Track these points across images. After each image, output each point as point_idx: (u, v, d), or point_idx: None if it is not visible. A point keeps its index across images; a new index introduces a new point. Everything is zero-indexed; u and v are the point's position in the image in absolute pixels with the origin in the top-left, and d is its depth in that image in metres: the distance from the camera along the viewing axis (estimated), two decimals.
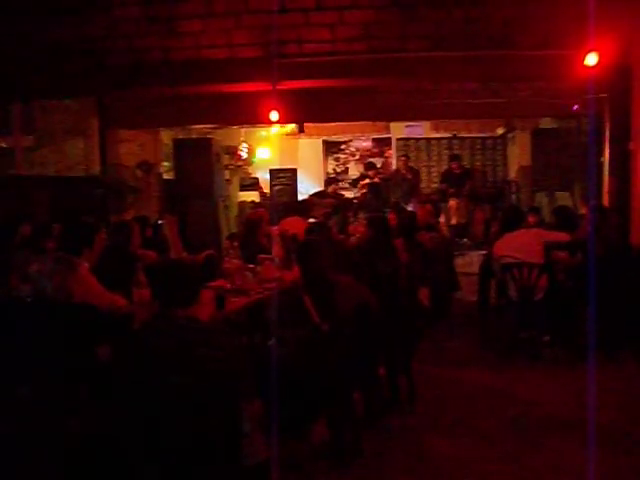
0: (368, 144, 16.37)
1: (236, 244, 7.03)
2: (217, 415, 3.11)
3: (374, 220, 6.38)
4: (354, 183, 14.24)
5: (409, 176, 13.24)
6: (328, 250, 4.75)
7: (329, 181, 13.91)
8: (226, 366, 3.12)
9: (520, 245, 6.70)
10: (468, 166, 14.14)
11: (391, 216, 7.58)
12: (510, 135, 14.60)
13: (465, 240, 12.37)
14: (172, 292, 3.27)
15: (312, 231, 6.16)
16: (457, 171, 13.02)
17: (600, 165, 8.45)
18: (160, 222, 8.12)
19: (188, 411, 3.03)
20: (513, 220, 7.12)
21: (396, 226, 7.24)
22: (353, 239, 7.56)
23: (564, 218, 7.49)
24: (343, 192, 14.03)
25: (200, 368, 3.06)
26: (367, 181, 13.15)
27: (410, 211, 8.90)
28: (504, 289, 6.87)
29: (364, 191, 12.76)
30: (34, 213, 7.87)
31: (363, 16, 7.32)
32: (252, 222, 7.62)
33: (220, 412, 3.12)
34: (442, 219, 11.82)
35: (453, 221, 12.61)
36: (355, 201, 12.33)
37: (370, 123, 14.76)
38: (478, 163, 15.04)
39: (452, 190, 12.63)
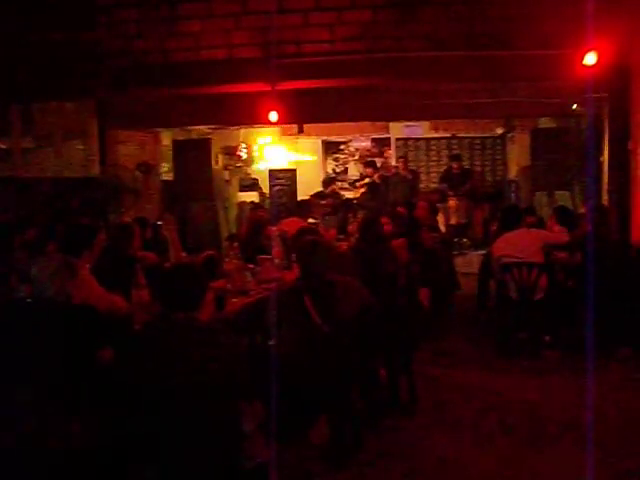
0: (367, 144, 16.36)
1: (236, 245, 7.03)
2: (217, 415, 3.11)
3: (364, 223, 6.35)
4: (354, 184, 14.24)
5: (409, 176, 13.26)
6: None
7: (328, 181, 13.86)
8: (226, 366, 3.12)
9: (520, 245, 6.70)
10: (468, 166, 14.15)
11: (384, 220, 7.48)
12: (509, 135, 14.60)
13: (465, 240, 12.38)
14: (178, 297, 3.27)
15: (303, 234, 6.11)
16: (457, 171, 13.02)
17: (599, 164, 8.46)
18: (159, 223, 8.11)
19: (188, 411, 3.03)
20: (512, 219, 7.12)
21: (391, 228, 7.21)
22: (352, 239, 7.56)
23: (563, 218, 7.49)
24: (343, 192, 14.02)
25: (200, 368, 3.06)
26: (367, 181, 13.15)
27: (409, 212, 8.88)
28: (504, 289, 6.87)
29: (363, 191, 12.76)
30: (33, 215, 7.86)
31: (362, 16, 7.32)
32: (255, 223, 7.63)
33: (220, 412, 3.12)
34: (441, 219, 11.83)
35: (452, 221, 12.61)
36: (355, 201, 12.33)
37: (369, 123, 14.76)
38: (477, 163, 15.05)
39: (451, 193, 12.66)
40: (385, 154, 16.02)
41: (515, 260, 6.63)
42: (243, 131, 14.66)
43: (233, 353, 3.21)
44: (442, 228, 11.49)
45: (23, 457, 3.05)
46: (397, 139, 15.68)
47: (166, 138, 12.96)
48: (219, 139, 13.15)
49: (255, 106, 8.43)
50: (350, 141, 16.42)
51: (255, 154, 15.36)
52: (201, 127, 12.74)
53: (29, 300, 3.92)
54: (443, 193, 12.80)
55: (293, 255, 5.51)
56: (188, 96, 9.83)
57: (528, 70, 7.62)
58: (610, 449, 4.53)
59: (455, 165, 13.16)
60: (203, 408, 3.04)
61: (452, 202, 12.65)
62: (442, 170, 14.28)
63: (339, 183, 15.07)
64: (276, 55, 7.25)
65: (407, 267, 6.13)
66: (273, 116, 8.20)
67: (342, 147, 16.54)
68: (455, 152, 14.62)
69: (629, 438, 4.78)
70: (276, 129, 14.78)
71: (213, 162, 12.37)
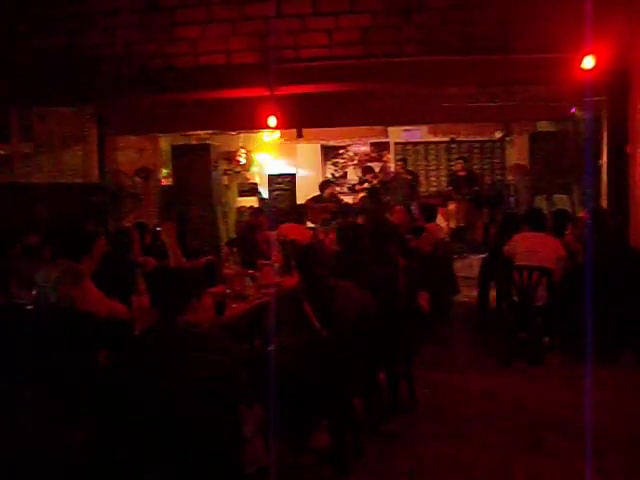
0: (366, 149, 16.36)
1: (235, 250, 7.04)
2: (218, 420, 3.11)
3: (342, 230, 6.22)
4: (353, 188, 14.23)
5: (408, 177, 13.28)
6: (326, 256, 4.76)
7: (325, 184, 13.67)
8: (225, 371, 3.12)
9: (538, 245, 6.66)
10: (476, 169, 14.23)
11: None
12: (508, 138, 14.62)
13: (462, 245, 12.36)
14: (166, 301, 3.30)
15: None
16: (462, 174, 13.07)
17: (598, 168, 8.47)
18: (158, 229, 8.12)
19: (188, 416, 3.04)
20: (537, 222, 7.03)
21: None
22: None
23: (562, 222, 7.50)
24: (342, 197, 13.98)
25: (199, 373, 3.06)
26: (366, 185, 13.15)
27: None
28: (504, 292, 6.87)
29: (363, 195, 12.75)
30: (33, 220, 7.86)
31: (360, 21, 7.34)
32: (249, 226, 7.64)
33: (220, 417, 3.13)
34: (442, 222, 11.83)
35: (452, 224, 12.62)
36: (354, 206, 12.31)
37: (368, 128, 14.77)
38: (476, 167, 15.05)
39: (459, 196, 12.68)
40: (384, 158, 16.02)
41: (524, 263, 6.61)
42: (242, 136, 14.68)
43: (233, 358, 3.21)
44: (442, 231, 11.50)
45: (23, 459, 3.05)
46: (396, 143, 15.71)
47: (165, 143, 12.98)
48: (218, 144, 13.16)
49: (254, 111, 8.45)
50: (349, 146, 16.42)
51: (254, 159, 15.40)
52: (200, 132, 12.76)
53: (29, 307, 3.93)
54: (448, 196, 12.84)
55: (293, 260, 5.51)
56: (187, 101, 9.83)
57: (526, 74, 7.63)
58: (610, 451, 4.53)
59: (460, 167, 13.23)
60: (203, 412, 3.05)
61: (452, 206, 12.67)
62: (441, 174, 14.33)
63: (338, 187, 15.04)
64: (274, 60, 7.26)
65: (406, 271, 6.13)
66: (272, 121, 8.22)
67: (341, 152, 16.53)
68: (454, 155, 14.71)
69: (629, 440, 4.78)
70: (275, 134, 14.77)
71: (212, 167, 12.37)
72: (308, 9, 7.39)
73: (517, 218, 7.67)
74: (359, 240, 5.87)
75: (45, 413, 3.15)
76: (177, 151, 12.54)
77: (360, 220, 8.19)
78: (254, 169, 15.52)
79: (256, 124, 9.45)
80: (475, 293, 8.09)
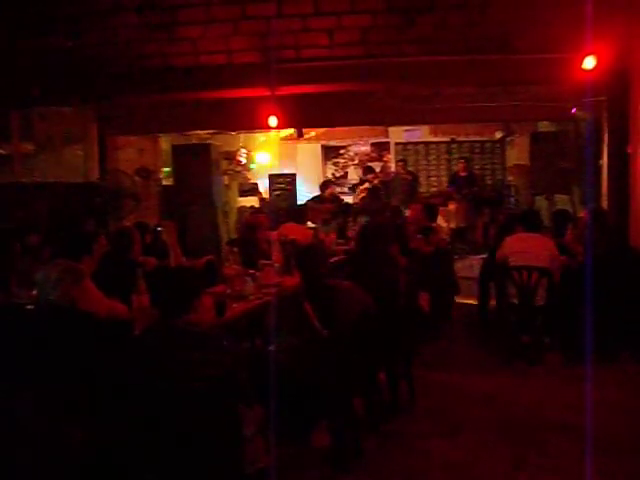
0: (367, 149, 16.37)
1: (236, 250, 7.03)
2: (217, 420, 3.11)
3: (363, 228, 6.36)
4: (353, 188, 14.23)
5: (409, 177, 13.28)
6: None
7: (325, 184, 13.48)
8: (225, 371, 3.12)
9: (530, 247, 6.66)
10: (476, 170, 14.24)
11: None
12: (509, 139, 14.62)
13: (462, 246, 12.34)
14: (166, 301, 3.30)
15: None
16: (463, 174, 13.06)
17: (599, 168, 8.46)
18: (159, 228, 8.11)
19: (188, 416, 3.04)
20: (531, 223, 7.03)
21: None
22: (352, 243, 7.57)
23: (563, 222, 7.50)
24: (342, 197, 13.97)
25: (199, 373, 3.07)
26: (366, 185, 13.15)
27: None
28: (504, 293, 6.87)
29: (363, 195, 12.75)
30: (33, 220, 7.86)
31: (361, 21, 7.33)
32: (249, 226, 7.64)
33: (220, 417, 3.13)
34: (443, 223, 11.82)
35: (452, 225, 12.61)
36: (355, 206, 12.30)
37: (369, 128, 14.79)
38: (477, 167, 15.06)
39: (459, 196, 12.68)
40: (384, 158, 16.03)
41: (520, 263, 6.61)
42: (243, 136, 14.68)
43: (233, 358, 3.22)
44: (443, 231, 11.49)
45: (23, 459, 3.05)
46: (396, 143, 15.72)
47: (165, 143, 12.97)
48: (219, 144, 13.15)
49: (255, 111, 8.45)
50: (350, 146, 16.43)
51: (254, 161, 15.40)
52: (200, 132, 12.76)
53: (29, 306, 3.94)
54: (449, 196, 12.84)
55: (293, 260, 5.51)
56: (188, 101, 9.83)
57: (527, 74, 7.63)
58: (610, 451, 4.53)
59: (462, 166, 13.24)
60: (203, 412, 3.05)
61: (452, 206, 12.67)
62: (442, 174, 14.33)
63: (338, 187, 15.05)
64: (275, 60, 7.26)
65: (407, 272, 6.13)
66: (273, 121, 8.22)
67: (342, 152, 16.54)
68: (454, 156, 14.72)
69: (629, 440, 4.78)
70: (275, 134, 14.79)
71: (212, 167, 12.36)
72: (309, 9, 7.38)
73: (517, 218, 7.66)
74: (361, 240, 5.90)
75: (45, 413, 3.15)
76: (177, 151, 12.51)
77: (361, 220, 8.21)
78: (254, 169, 15.52)
79: (257, 124, 9.45)
80: (475, 293, 8.09)
